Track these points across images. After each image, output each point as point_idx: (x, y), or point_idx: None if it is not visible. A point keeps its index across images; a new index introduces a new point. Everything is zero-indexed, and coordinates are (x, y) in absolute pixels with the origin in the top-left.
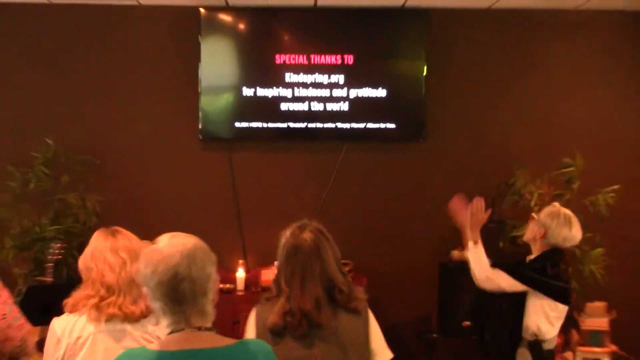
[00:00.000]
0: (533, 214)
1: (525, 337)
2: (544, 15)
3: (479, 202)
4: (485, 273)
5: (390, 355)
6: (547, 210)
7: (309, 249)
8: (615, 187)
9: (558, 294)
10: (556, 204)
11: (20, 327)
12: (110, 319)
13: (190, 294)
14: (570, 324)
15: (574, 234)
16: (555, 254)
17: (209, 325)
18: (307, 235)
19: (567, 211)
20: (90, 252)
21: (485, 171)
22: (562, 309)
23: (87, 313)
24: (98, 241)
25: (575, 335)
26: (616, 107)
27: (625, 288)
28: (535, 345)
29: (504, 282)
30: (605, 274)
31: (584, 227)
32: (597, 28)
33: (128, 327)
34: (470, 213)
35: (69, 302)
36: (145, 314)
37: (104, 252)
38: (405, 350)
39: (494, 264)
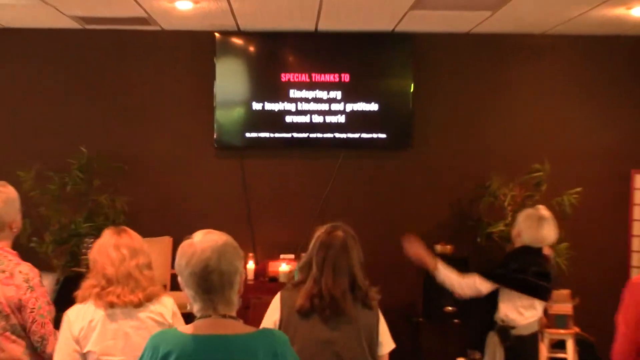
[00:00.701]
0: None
1: (498, 322)
2: (515, 38)
3: (408, 239)
4: (460, 283)
5: (393, 345)
6: (524, 212)
7: (339, 246)
8: (578, 189)
9: (520, 286)
10: (539, 206)
11: (43, 325)
12: (111, 305)
13: (218, 285)
14: None
15: (544, 235)
16: (523, 252)
17: (233, 313)
18: (339, 234)
19: (544, 213)
20: (97, 247)
21: (465, 175)
22: (532, 298)
23: (92, 300)
24: (105, 238)
25: (543, 319)
26: (578, 120)
27: (587, 277)
28: (503, 330)
29: (481, 286)
30: (569, 265)
31: None
32: (561, 50)
33: (132, 309)
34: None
35: (78, 293)
36: (142, 302)
37: (107, 248)
38: (394, 332)
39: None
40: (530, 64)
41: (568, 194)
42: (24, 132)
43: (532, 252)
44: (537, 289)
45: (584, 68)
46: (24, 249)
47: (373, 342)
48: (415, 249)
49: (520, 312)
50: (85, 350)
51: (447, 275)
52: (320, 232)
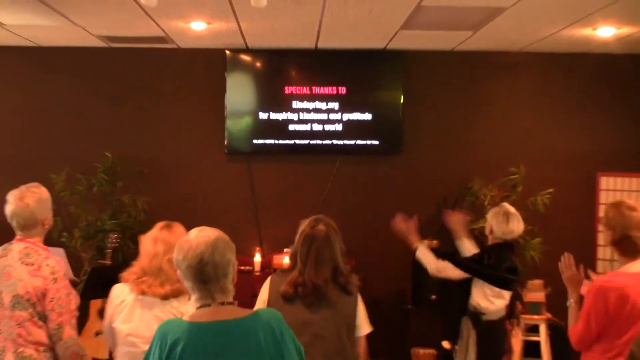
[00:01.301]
0: None
1: (470, 309)
2: (494, 55)
3: (399, 217)
4: (434, 266)
5: (370, 329)
6: (492, 210)
7: (322, 238)
8: (550, 190)
9: (492, 280)
10: (504, 203)
11: (60, 314)
12: (142, 293)
13: (213, 276)
14: (515, 297)
15: (512, 228)
16: (497, 248)
17: (230, 300)
18: (321, 227)
19: (509, 209)
20: (144, 238)
21: (449, 177)
22: (501, 289)
23: (129, 284)
24: (151, 231)
25: (519, 306)
26: (550, 128)
27: (558, 269)
28: (475, 316)
29: (452, 272)
30: (542, 258)
31: (526, 222)
32: (535, 66)
33: (158, 300)
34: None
35: (123, 274)
36: (169, 296)
37: (148, 241)
38: (385, 318)
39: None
40: (507, 78)
41: (541, 195)
42: (56, 139)
43: (506, 249)
44: (505, 282)
45: (556, 82)
46: (55, 244)
47: (351, 325)
48: (402, 226)
49: (490, 300)
50: (113, 325)
51: (425, 255)
52: (304, 225)
